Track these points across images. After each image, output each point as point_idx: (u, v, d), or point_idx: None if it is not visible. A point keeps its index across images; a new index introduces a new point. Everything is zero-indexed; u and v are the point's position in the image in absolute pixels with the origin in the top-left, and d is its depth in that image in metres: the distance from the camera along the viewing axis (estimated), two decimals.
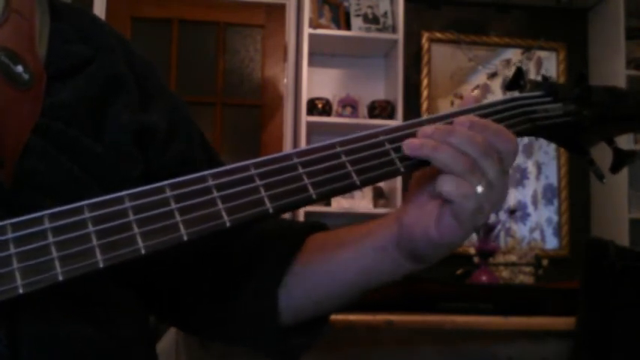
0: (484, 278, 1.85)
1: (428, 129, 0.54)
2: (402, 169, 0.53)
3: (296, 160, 0.51)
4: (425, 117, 0.57)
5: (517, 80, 0.65)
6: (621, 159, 0.65)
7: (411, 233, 0.56)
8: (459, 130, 0.53)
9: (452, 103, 3.39)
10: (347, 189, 0.52)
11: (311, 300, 0.65)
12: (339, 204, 3.06)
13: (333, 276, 0.63)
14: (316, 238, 0.68)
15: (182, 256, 0.65)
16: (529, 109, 0.62)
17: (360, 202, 3.10)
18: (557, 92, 0.64)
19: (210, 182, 0.48)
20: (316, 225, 0.71)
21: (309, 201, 0.50)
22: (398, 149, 0.54)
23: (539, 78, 0.66)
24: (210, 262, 0.68)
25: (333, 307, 0.66)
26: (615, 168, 0.66)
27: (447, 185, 0.52)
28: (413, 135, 0.55)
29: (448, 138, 0.53)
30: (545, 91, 0.64)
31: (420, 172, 0.58)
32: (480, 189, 0.52)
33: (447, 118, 0.57)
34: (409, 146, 0.53)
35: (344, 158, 0.52)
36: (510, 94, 0.64)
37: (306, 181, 0.50)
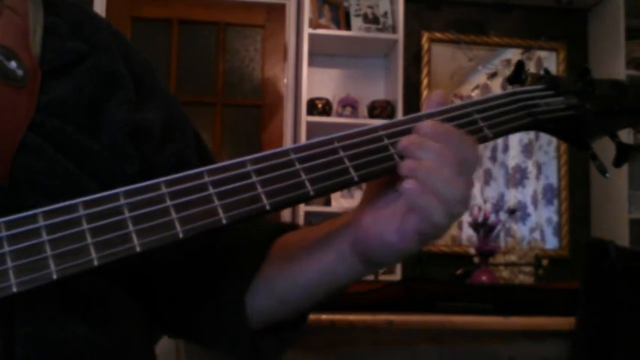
0: (484, 278, 1.84)
1: (405, 140, 0.52)
2: None
3: (293, 156, 0.50)
4: (423, 112, 0.56)
5: (518, 74, 0.64)
6: (625, 153, 0.64)
7: (366, 237, 0.54)
8: (429, 146, 0.51)
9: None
10: (345, 185, 0.51)
11: (277, 302, 0.64)
12: (339, 204, 3.06)
13: (296, 280, 0.61)
14: (283, 240, 0.67)
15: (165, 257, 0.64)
16: (530, 103, 0.61)
17: None
18: (559, 85, 0.63)
19: (207, 179, 0.48)
20: (285, 226, 0.70)
21: (307, 197, 0.49)
22: (396, 144, 0.53)
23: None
24: (183, 264, 0.66)
25: (298, 308, 0.65)
26: (619, 162, 0.65)
27: (419, 199, 0.50)
28: (411, 130, 0.54)
29: (419, 152, 0.51)
30: (547, 84, 0.63)
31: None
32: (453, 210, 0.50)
33: (445, 113, 0.56)
34: (402, 165, 0.51)
35: (342, 154, 0.51)
36: (512, 88, 0.63)
37: (304, 177, 0.50)
